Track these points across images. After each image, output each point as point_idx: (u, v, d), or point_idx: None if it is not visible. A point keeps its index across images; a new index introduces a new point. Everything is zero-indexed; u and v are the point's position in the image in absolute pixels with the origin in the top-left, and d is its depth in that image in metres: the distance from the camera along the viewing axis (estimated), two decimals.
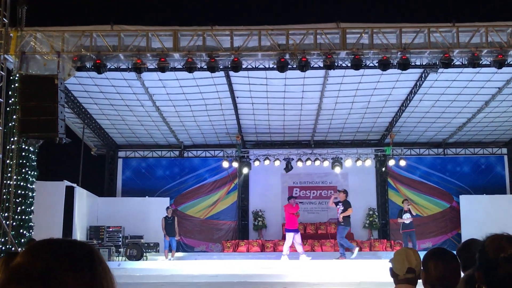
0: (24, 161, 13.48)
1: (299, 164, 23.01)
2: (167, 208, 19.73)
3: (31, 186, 13.70)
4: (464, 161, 24.73)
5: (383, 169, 23.94)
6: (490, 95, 18.97)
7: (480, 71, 16.45)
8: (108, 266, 1.67)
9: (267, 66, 14.92)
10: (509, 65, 14.61)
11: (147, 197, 23.44)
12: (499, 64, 13.95)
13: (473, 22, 14.21)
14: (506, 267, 2.19)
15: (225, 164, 23.17)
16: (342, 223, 16.99)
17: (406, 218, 17.93)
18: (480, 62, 14.05)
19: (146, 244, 21.27)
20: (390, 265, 4.00)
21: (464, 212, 22.94)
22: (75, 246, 1.63)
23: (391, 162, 23.03)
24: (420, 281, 3.65)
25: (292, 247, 17.31)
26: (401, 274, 3.81)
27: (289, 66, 14.11)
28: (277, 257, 18.91)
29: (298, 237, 17.16)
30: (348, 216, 17.07)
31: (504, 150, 24.66)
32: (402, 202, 18.92)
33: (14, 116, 13.10)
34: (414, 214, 18.23)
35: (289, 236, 17.10)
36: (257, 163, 23.13)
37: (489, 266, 2.24)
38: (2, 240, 12.69)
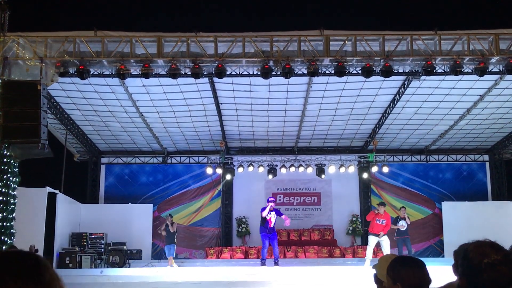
0: (6, 167, 13.34)
1: (283, 170, 23.05)
2: (167, 216, 19.61)
3: (12, 193, 13.56)
4: (446, 167, 24.90)
5: (366, 175, 24.05)
6: (472, 102, 19.14)
7: (462, 79, 16.62)
8: (57, 274, 1.72)
9: (251, 72, 14.94)
10: (490, 73, 14.76)
11: (130, 203, 23.31)
12: (481, 71, 14.07)
13: (455, 30, 14.33)
14: (490, 273, 2.20)
15: (209, 170, 23.16)
16: (275, 231, 17.00)
17: (401, 225, 18.16)
18: (462, 70, 14.17)
19: (129, 251, 21.15)
20: (374, 271, 4.01)
21: (446, 218, 23.08)
22: (20, 256, 1.71)
23: (374, 169, 23.17)
24: None
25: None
26: (385, 281, 3.81)
27: (273, 73, 14.13)
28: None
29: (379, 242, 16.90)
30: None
31: (486, 157, 24.87)
32: (399, 209, 19.01)
33: None
34: (409, 222, 18.40)
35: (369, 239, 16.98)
36: (241, 169, 23.13)
37: (472, 272, 2.25)
38: None
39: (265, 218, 16.63)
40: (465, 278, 2.30)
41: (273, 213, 16.65)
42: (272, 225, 16.63)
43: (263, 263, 16.71)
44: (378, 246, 17.28)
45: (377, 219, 16.74)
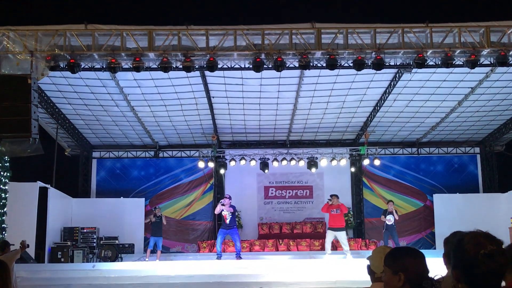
0: None
1: (275, 164, 23.06)
2: (155, 207, 19.58)
3: (4, 187, 13.52)
4: (437, 160, 24.97)
5: (358, 168, 24.09)
6: (463, 95, 19.18)
7: (453, 71, 16.64)
8: None
9: (242, 66, 14.91)
10: (481, 65, 14.80)
11: (122, 197, 23.26)
12: (472, 64, 14.11)
13: (446, 23, 14.34)
14: (488, 263, 2.20)
15: (201, 164, 23.13)
16: (235, 226, 17.43)
17: (388, 219, 18.27)
18: (453, 62, 14.20)
19: (121, 245, 21.13)
20: (367, 262, 4.02)
21: (437, 211, 23.15)
22: None
23: (366, 162, 23.22)
24: None
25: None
26: (378, 272, 3.81)
27: (264, 66, 14.12)
28: (254, 257, 18.91)
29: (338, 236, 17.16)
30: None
31: (477, 149, 24.94)
32: (387, 203, 19.12)
33: None
34: (397, 217, 18.49)
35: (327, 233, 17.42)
36: (233, 163, 23.12)
37: (468, 263, 2.24)
38: None
39: (220, 214, 17.50)
40: (460, 270, 2.29)
41: (226, 211, 17.05)
42: (227, 221, 17.12)
43: (218, 257, 16.86)
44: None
45: (332, 209, 17.21)
